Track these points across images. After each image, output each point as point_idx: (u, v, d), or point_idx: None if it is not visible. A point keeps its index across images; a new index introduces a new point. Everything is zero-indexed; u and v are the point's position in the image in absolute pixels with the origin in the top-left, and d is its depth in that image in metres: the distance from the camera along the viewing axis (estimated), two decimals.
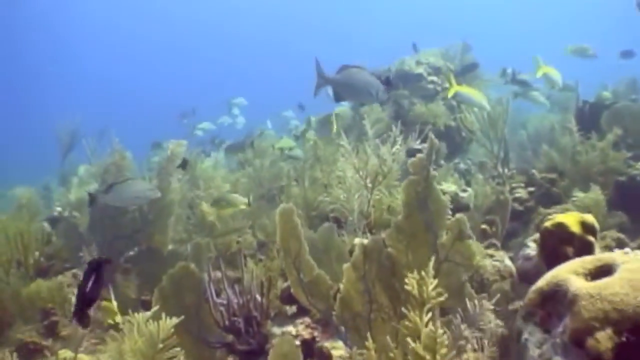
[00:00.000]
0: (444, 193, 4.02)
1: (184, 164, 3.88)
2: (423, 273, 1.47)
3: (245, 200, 3.17)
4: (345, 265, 1.95)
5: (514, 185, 4.79)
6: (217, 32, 34.08)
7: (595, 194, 3.90)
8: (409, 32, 8.37)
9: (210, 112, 9.38)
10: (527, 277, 2.84)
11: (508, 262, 2.81)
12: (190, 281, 2.38)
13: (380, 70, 6.19)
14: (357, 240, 2.46)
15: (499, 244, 3.85)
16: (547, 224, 2.20)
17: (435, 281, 1.46)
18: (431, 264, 1.54)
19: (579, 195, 3.98)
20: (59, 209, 4.27)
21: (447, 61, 6.95)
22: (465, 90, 3.93)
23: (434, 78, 6.78)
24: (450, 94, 3.83)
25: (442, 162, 6.11)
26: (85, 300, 1.67)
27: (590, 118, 4.86)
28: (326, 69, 2.68)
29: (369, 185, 2.84)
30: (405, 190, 2.04)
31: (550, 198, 4.29)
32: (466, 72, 6.51)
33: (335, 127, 3.98)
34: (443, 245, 1.97)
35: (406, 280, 1.47)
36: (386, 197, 2.97)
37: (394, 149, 2.89)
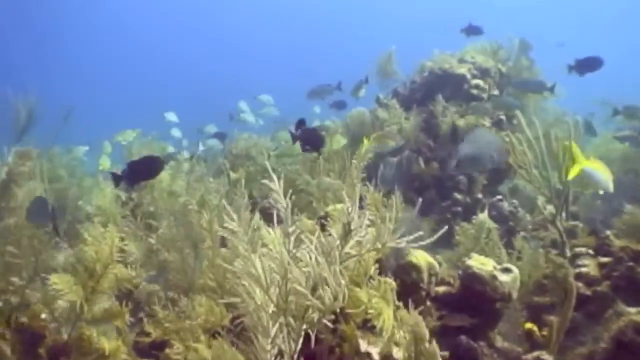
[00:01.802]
0: (475, 274, 2.50)
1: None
2: None
3: None
4: None
5: (576, 248, 3.37)
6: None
7: None
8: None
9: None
10: None
11: None
12: None
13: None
14: None
15: None
16: None
17: None
18: None
19: None
20: None
21: (498, 62, 5.45)
22: (593, 166, 2.76)
23: (480, 82, 5.32)
24: (574, 173, 2.89)
25: (479, 195, 4.69)
26: None
27: None
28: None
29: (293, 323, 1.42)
30: None
31: (635, 286, 2.85)
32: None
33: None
34: None
35: None
36: None
37: (348, 247, 1.41)
